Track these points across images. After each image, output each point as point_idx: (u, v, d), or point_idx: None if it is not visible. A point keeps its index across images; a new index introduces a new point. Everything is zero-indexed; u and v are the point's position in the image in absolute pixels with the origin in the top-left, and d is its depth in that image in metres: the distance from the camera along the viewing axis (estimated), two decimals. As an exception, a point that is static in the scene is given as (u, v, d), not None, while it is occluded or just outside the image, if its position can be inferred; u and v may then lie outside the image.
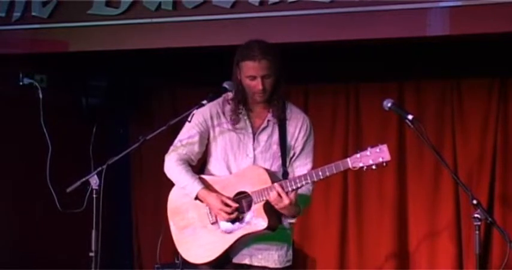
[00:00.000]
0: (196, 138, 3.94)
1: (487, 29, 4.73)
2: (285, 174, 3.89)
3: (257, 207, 3.78)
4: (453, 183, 5.68)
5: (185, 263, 3.94)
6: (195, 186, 3.86)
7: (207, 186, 3.89)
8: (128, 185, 6.58)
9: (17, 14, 5.53)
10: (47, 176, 5.64)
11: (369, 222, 5.97)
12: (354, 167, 3.67)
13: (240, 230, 3.81)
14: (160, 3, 5.24)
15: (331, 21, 4.95)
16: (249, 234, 3.81)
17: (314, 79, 6.02)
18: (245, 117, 3.92)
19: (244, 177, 3.85)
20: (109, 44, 5.40)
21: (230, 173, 3.92)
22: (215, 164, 3.96)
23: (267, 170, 3.85)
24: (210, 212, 3.88)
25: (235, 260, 3.91)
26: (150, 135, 3.83)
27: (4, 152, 5.59)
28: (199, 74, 5.71)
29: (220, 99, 3.94)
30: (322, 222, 6.07)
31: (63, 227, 5.72)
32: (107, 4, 5.36)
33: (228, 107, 3.94)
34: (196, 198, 3.87)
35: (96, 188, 3.77)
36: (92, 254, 3.77)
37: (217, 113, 3.95)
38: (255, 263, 3.90)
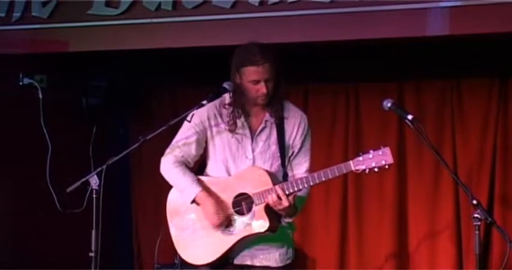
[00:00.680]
0: (194, 140, 3.93)
1: (487, 29, 4.73)
2: (285, 176, 3.89)
3: (258, 209, 3.78)
4: (453, 183, 5.67)
5: (184, 263, 3.94)
6: (194, 189, 3.85)
7: (207, 188, 3.88)
8: (127, 185, 6.58)
9: (16, 14, 5.53)
10: (46, 176, 5.64)
11: (369, 222, 5.97)
12: (357, 170, 3.67)
13: (241, 231, 3.81)
14: (160, 3, 5.24)
15: (331, 22, 4.95)
16: (249, 235, 3.81)
17: (314, 79, 6.02)
18: (242, 120, 3.92)
19: (245, 178, 3.85)
20: (109, 44, 5.41)
21: (229, 175, 3.91)
22: (214, 167, 3.95)
23: (267, 171, 3.84)
24: (210, 213, 3.88)
25: (237, 262, 3.90)
26: (150, 136, 3.83)
27: (4, 152, 5.59)
28: (199, 74, 5.70)
29: (217, 102, 3.93)
30: (322, 222, 6.07)
31: (63, 227, 5.71)
32: (107, 4, 5.36)
33: (225, 111, 3.93)
34: (193, 201, 3.86)
35: (96, 188, 3.76)
36: (91, 254, 3.77)
37: (215, 115, 3.94)
38: (257, 263, 3.89)
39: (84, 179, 3.80)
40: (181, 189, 3.90)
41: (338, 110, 6.09)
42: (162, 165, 3.97)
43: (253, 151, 3.90)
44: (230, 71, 3.91)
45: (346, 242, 6.03)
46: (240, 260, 3.90)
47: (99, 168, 3.79)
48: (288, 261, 3.96)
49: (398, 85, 5.94)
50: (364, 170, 3.66)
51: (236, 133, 3.91)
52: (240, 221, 3.82)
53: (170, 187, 4.00)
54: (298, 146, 3.94)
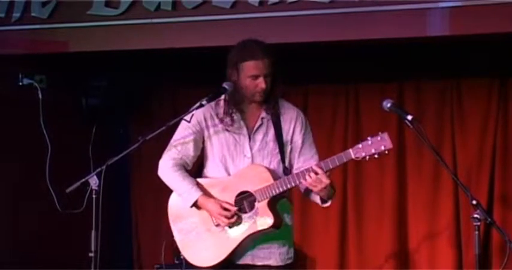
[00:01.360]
0: (191, 141, 3.92)
1: (487, 29, 4.73)
2: (285, 170, 3.88)
3: (261, 205, 3.78)
4: (453, 183, 5.68)
5: (188, 265, 3.92)
6: (194, 194, 3.85)
7: (206, 190, 3.88)
8: (127, 185, 6.57)
9: (16, 15, 5.54)
10: (46, 176, 5.64)
11: (368, 222, 5.97)
12: (357, 157, 3.68)
13: (245, 229, 3.81)
14: (159, 3, 5.24)
15: (331, 22, 4.95)
16: (254, 233, 3.80)
17: (314, 80, 6.02)
18: (239, 118, 3.92)
19: (245, 176, 3.85)
20: (109, 44, 5.41)
21: (229, 175, 3.91)
22: (213, 167, 3.94)
23: (267, 168, 3.85)
24: (213, 215, 3.88)
25: (237, 261, 3.89)
26: (150, 136, 3.83)
27: (4, 152, 5.59)
28: (199, 74, 5.70)
29: (213, 102, 3.93)
30: (322, 222, 6.07)
31: (63, 227, 5.71)
32: (107, 4, 5.37)
33: (221, 110, 3.94)
34: (193, 205, 3.85)
35: (96, 188, 3.76)
36: (91, 254, 3.77)
37: (211, 115, 3.94)
38: (258, 263, 3.89)
39: (83, 180, 3.80)
40: (181, 193, 3.90)
41: (338, 110, 6.09)
42: (160, 168, 3.96)
43: (251, 149, 3.90)
44: (226, 69, 3.91)
45: (345, 242, 6.03)
46: (241, 259, 3.89)
47: (99, 169, 3.79)
48: (289, 261, 3.96)
49: (398, 85, 5.94)
50: (364, 157, 3.67)
51: (233, 132, 3.91)
52: (243, 219, 3.81)
53: (169, 188, 4.00)
54: (300, 140, 3.94)
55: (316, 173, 3.69)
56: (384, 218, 5.93)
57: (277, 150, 3.90)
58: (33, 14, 5.50)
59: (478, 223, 3.63)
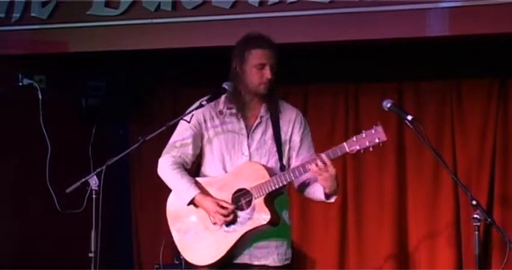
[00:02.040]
0: (190, 140, 3.93)
1: (487, 29, 4.73)
2: (283, 168, 3.88)
3: (258, 201, 3.78)
4: (453, 183, 5.67)
5: (188, 264, 3.93)
6: (191, 192, 3.85)
7: (204, 189, 3.88)
8: (127, 185, 6.57)
9: (16, 15, 5.53)
10: (46, 176, 5.64)
11: (368, 222, 5.97)
12: (352, 151, 3.69)
13: (243, 226, 3.80)
14: (159, 3, 5.24)
15: (331, 22, 4.95)
16: (252, 230, 3.80)
17: (314, 80, 6.02)
18: (238, 116, 3.92)
19: (242, 174, 3.85)
20: (109, 44, 5.41)
21: (226, 172, 3.91)
22: (211, 166, 3.94)
23: (263, 165, 3.85)
24: (210, 213, 3.88)
25: (235, 260, 3.89)
26: (150, 136, 3.83)
27: (4, 152, 5.59)
28: (200, 74, 5.71)
29: (212, 103, 3.93)
30: (322, 222, 6.07)
31: (63, 227, 5.71)
32: (107, 5, 5.36)
33: (220, 108, 3.94)
34: (190, 203, 3.86)
35: (96, 188, 3.76)
36: (91, 255, 3.77)
37: (210, 114, 3.94)
38: (255, 262, 3.88)
39: (83, 180, 3.80)
40: (179, 191, 3.91)
41: (338, 110, 6.09)
42: (159, 166, 3.97)
43: (249, 147, 3.90)
44: (231, 62, 3.91)
45: (345, 242, 6.03)
46: (239, 258, 3.89)
47: (99, 169, 3.79)
48: (287, 262, 3.96)
49: (398, 85, 5.94)
50: (359, 150, 3.68)
51: (232, 131, 3.92)
52: (241, 217, 3.81)
53: (169, 188, 4.00)
54: (298, 139, 3.94)
55: (324, 163, 3.69)
56: (384, 218, 5.93)
57: (275, 149, 3.91)
58: (33, 14, 5.49)
59: (478, 223, 3.63)
